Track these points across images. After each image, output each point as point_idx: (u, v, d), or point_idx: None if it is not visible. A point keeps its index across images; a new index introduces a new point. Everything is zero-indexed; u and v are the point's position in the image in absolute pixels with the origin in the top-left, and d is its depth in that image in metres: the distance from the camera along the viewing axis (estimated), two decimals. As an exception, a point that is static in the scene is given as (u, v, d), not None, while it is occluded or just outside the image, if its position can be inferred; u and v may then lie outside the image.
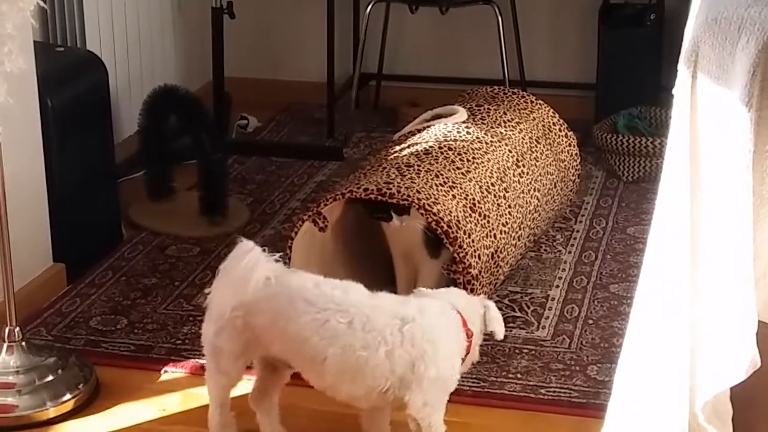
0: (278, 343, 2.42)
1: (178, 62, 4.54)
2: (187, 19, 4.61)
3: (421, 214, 2.84)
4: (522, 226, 3.22)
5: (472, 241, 2.89)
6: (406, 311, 2.40)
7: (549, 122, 3.54)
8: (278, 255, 2.41)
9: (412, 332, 2.37)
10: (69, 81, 3.38)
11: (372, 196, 2.87)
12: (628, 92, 4.33)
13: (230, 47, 4.41)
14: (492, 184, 3.13)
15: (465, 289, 2.83)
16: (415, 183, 2.93)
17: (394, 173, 2.99)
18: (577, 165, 3.60)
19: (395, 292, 3.07)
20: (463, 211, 2.94)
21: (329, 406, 2.64)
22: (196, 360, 2.94)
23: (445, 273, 3.02)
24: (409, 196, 2.85)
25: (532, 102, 3.58)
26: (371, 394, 2.40)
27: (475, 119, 3.38)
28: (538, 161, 3.39)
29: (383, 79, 4.84)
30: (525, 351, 3.00)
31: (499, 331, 2.50)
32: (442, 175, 3.02)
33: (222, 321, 2.42)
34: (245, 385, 2.58)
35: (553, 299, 3.28)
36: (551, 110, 3.58)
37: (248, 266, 2.35)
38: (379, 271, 3.20)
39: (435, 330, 2.41)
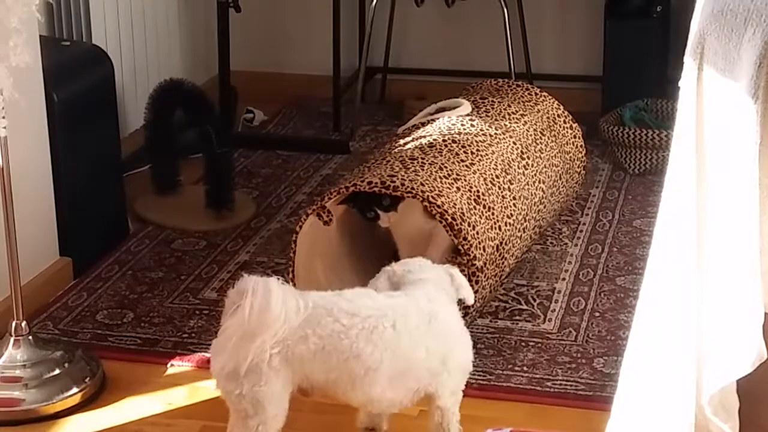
0: (323, 368, 2.31)
1: (183, 56, 4.54)
2: (193, 12, 4.62)
3: (425, 206, 2.84)
4: (527, 218, 3.22)
5: (477, 233, 2.89)
6: (425, 305, 2.39)
7: (553, 114, 3.54)
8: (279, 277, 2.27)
9: (437, 326, 2.39)
10: (75, 75, 3.38)
11: (376, 189, 2.87)
12: (635, 84, 4.33)
13: (236, 41, 4.41)
14: (496, 176, 3.13)
15: (470, 281, 2.83)
16: (419, 176, 2.93)
17: (398, 166, 2.99)
18: (582, 157, 3.60)
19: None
20: (468, 203, 2.94)
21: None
22: (203, 354, 2.95)
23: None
24: (413, 188, 2.85)
25: (536, 94, 3.57)
26: (408, 395, 2.40)
27: (479, 112, 3.38)
28: (542, 153, 3.39)
29: (389, 72, 4.84)
30: (531, 344, 3.00)
31: (469, 296, 2.50)
32: (446, 167, 3.02)
33: (260, 367, 2.24)
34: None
35: (559, 292, 3.28)
36: (556, 102, 3.58)
37: (274, 299, 2.19)
38: (384, 264, 3.20)
39: (451, 318, 2.43)
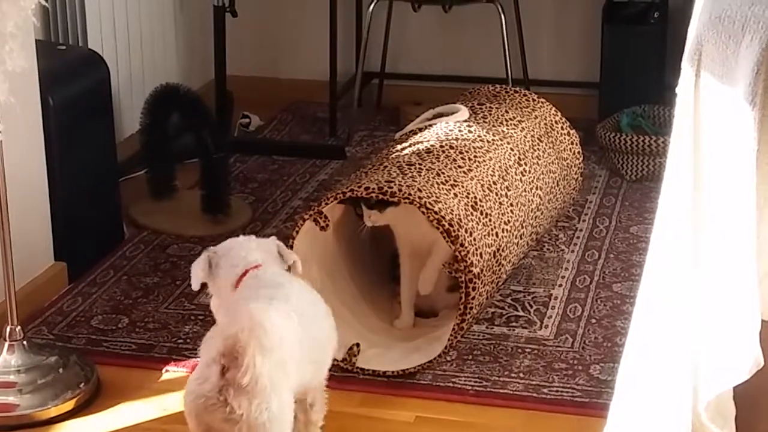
0: (311, 361, 2.34)
1: (180, 61, 4.53)
2: (189, 17, 4.61)
3: (423, 212, 2.83)
4: (524, 224, 3.21)
5: (474, 239, 2.89)
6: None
7: (551, 120, 3.54)
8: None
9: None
10: (71, 79, 3.37)
11: (374, 195, 2.86)
12: (632, 91, 4.33)
13: (232, 46, 4.40)
14: (494, 183, 3.12)
15: (467, 288, 2.82)
16: (416, 181, 2.92)
17: (395, 172, 2.98)
18: (579, 163, 3.60)
19: (398, 291, 3.09)
20: (465, 209, 2.93)
21: (343, 407, 2.64)
22: (198, 359, 2.93)
23: (446, 272, 3.02)
24: (410, 194, 2.84)
25: (533, 100, 3.57)
26: None
27: (477, 118, 3.37)
28: (540, 159, 3.38)
29: (386, 77, 4.83)
30: (528, 350, 2.99)
31: (298, 263, 2.50)
32: (443, 173, 3.01)
33: (281, 383, 2.19)
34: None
35: (556, 298, 3.27)
36: (553, 108, 3.58)
37: (279, 322, 2.19)
38: (380, 269, 3.20)
39: None
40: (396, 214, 2.93)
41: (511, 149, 3.29)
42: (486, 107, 3.45)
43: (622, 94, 4.33)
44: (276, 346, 2.12)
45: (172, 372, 2.91)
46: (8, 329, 2.78)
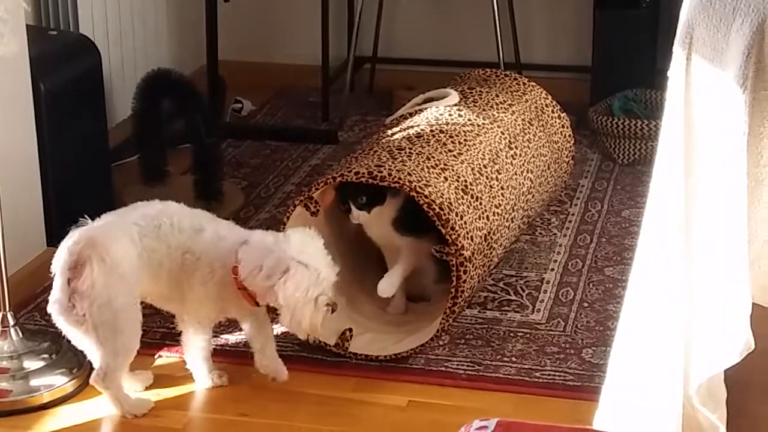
0: None
1: (171, 46, 4.52)
2: (181, 2, 4.60)
3: (413, 196, 2.83)
4: (515, 207, 3.21)
5: (465, 222, 2.89)
6: None
7: (542, 104, 3.53)
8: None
9: None
10: (62, 64, 3.37)
11: (363, 179, 2.86)
12: (624, 75, 4.32)
13: (224, 30, 4.39)
14: (484, 166, 3.12)
15: (458, 271, 2.82)
16: (406, 166, 2.92)
17: (385, 156, 2.98)
18: (570, 146, 3.60)
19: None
20: (455, 192, 2.93)
21: (336, 392, 2.64)
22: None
23: (437, 255, 3.02)
24: (400, 178, 2.84)
25: (524, 84, 3.57)
26: None
27: (467, 102, 3.37)
28: (530, 143, 3.38)
29: (378, 62, 4.83)
30: (520, 334, 3.00)
31: None
32: (433, 157, 3.01)
33: None
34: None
35: (548, 282, 3.28)
36: (544, 92, 3.57)
37: None
38: (372, 254, 3.19)
39: None
40: (367, 217, 2.94)
41: (502, 133, 3.29)
42: (476, 91, 3.45)
43: (614, 78, 4.33)
44: (113, 257, 2.56)
45: (165, 357, 2.91)
46: (0, 315, 2.78)
